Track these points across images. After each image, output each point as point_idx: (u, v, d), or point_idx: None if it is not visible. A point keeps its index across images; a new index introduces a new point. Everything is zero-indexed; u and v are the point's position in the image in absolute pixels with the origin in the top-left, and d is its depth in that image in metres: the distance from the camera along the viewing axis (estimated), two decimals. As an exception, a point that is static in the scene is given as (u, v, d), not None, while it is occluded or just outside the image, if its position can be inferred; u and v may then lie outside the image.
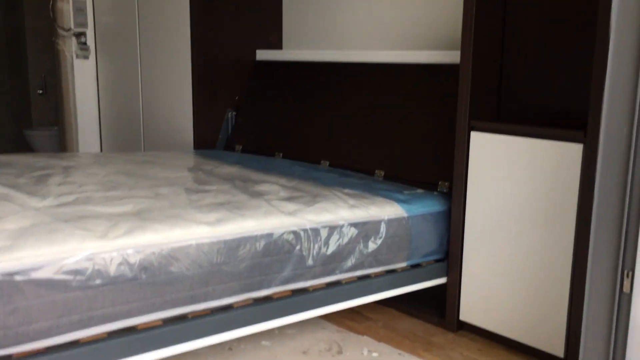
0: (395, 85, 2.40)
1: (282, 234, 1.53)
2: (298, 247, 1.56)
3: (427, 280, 1.93)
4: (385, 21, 2.60)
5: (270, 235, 1.50)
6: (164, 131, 3.07)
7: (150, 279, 1.29)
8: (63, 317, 1.18)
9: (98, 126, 3.52)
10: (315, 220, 1.62)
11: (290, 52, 2.89)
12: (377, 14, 2.63)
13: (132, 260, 1.26)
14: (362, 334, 1.93)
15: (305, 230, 1.58)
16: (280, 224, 1.54)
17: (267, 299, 1.53)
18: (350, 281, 1.72)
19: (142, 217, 1.40)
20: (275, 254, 1.51)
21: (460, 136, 1.87)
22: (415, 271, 1.90)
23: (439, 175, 2.11)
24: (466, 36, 1.84)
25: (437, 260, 1.97)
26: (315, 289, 1.63)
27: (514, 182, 1.75)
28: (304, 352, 1.80)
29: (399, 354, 1.81)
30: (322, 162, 2.50)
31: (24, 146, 4.67)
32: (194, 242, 1.36)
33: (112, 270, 1.23)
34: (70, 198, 1.56)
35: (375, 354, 1.80)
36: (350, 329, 1.97)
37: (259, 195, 1.77)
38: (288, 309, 1.56)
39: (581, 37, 1.79)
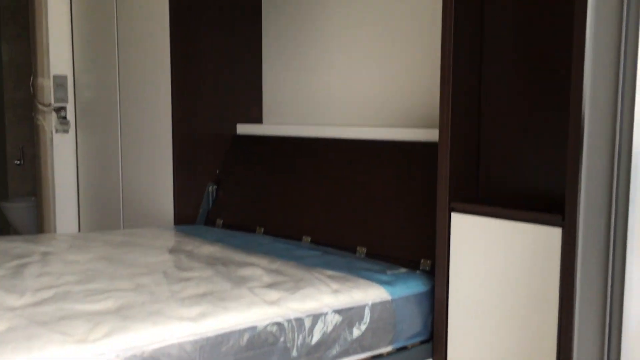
0: (375, 161, 2.43)
1: (266, 326, 1.51)
2: (282, 339, 1.53)
3: (412, 363, 1.91)
4: (365, 97, 2.66)
5: (253, 328, 1.48)
6: (144, 206, 3.05)
7: (131, 384, 1.25)
8: None
9: (76, 200, 3.49)
10: (299, 309, 1.60)
11: (270, 127, 2.93)
12: (357, 90, 2.70)
13: (113, 364, 1.23)
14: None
15: (289, 321, 1.56)
16: (263, 315, 1.52)
17: (251, 394, 1.49)
18: (335, 370, 1.69)
19: (122, 315, 1.37)
20: (259, 347, 1.48)
21: (441, 217, 1.89)
22: (401, 354, 1.87)
23: (421, 252, 2.11)
24: (444, 118, 1.89)
25: (422, 342, 1.95)
26: (300, 380, 1.59)
27: (496, 264, 1.76)
28: None
29: None
30: (303, 237, 2.50)
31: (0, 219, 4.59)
32: (176, 342, 1.33)
33: (91, 377, 1.19)
34: (49, 293, 1.53)
35: None
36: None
37: (241, 281, 1.75)
38: (272, 404, 1.52)
39: (558, 117, 1.84)
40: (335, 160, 2.58)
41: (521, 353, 1.71)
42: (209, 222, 2.90)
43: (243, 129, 3.04)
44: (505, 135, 1.97)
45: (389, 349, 1.84)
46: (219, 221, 2.86)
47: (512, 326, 1.72)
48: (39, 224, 3.49)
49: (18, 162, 4.70)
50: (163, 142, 2.91)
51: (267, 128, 2.94)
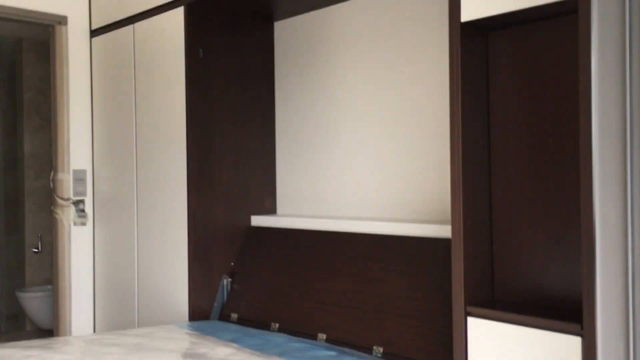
0: (389, 257, 2.43)
1: None
2: None
3: None
4: (378, 190, 2.69)
5: None
6: (159, 299, 3.05)
7: None
8: None
9: (92, 292, 3.50)
10: None
11: (284, 219, 2.95)
12: (370, 183, 2.73)
13: None
14: None
15: None
16: None
17: None
18: None
19: None
20: None
21: (457, 322, 1.86)
22: None
23: (438, 354, 2.07)
24: (456, 223, 1.89)
25: None
26: None
27: (516, 372, 1.72)
28: None
29: None
30: (319, 335, 2.47)
31: (15, 308, 4.60)
32: None
33: None
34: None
35: None
36: None
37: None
38: None
39: (571, 211, 1.84)
40: (350, 254, 2.57)
41: None
42: (224, 316, 2.88)
43: (257, 220, 3.07)
44: (518, 231, 1.97)
45: None
46: (234, 315, 2.84)
47: None
48: (54, 315, 3.49)
49: (36, 250, 4.76)
50: (178, 234, 2.94)
51: (281, 220, 2.96)
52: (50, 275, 4.14)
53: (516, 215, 1.94)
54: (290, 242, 2.86)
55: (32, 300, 4.29)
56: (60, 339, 2.40)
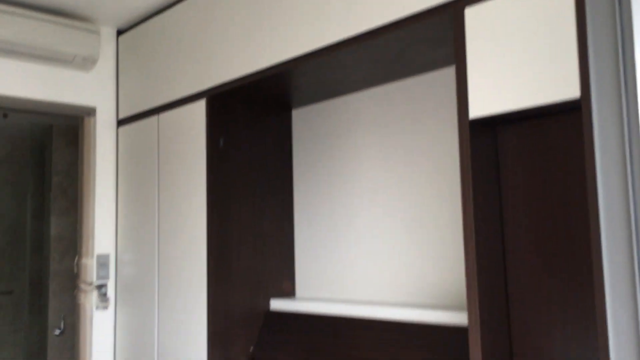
0: (406, 344, 2.42)
1: None
2: None
3: None
4: (391, 273, 2.71)
5: None
6: (178, 386, 3.04)
7: None
8: None
9: (112, 377, 3.50)
10: None
11: (303, 303, 2.97)
12: (386, 268, 2.75)
13: None
14: None
15: None
16: None
17: None
18: None
19: None
20: None
21: (477, 415, 1.84)
22: None
23: None
24: (472, 315, 1.90)
25: None
26: None
27: None
28: None
29: None
30: None
31: (36, 392, 4.59)
32: None
33: None
34: None
35: None
36: None
37: None
38: None
39: (584, 293, 1.84)
40: (366, 341, 2.57)
41: None
42: (243, 403, 2.86)
43: (276, 304, 3.09)
44: (535, 316, 1.97)
45: None
46: (253, 403, 2.81)
47: None
48: (74, 402, 3.48)
49: (58, 331, 4.79)
50: (198, 319, 2.96)
51: (299, 304, 2.98)
52: (72, 358, 4.15)
53: (532, 301, 1.95)
54: (309, 327, 2.87)
55: (53, 384, 4.28)
56: None
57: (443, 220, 2.55)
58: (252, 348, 3.00)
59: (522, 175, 1.97)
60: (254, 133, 3.19)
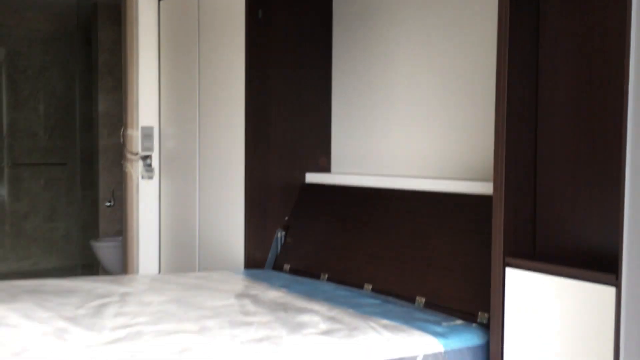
0: (435, 212, 2.49)
1: (317, 374, 1.59)
2: (333, 387, 1.61)
3: (467, 417, 1.91)
4: (427, 150, 2.74)
5: (305, 375, 1.57)
6: (217, 248, 3.23)
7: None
8: None
9: (158, 241, 3.74)
10: (350, 359, 1.67)
11: (337, 176, 3.05)
12: (419, 143, 2.78)
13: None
14: None
15: (340, 370, 1.63)
16: (315, 363, 1.61)
17: None
18: (386, 421, 1.74)
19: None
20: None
21: (495, 272, 1.91)
22: (454, 407, 1.89)
23: (478, 305, 2.13)
24: (497, 173, 1.93)
25: (477, 396, 1.95)
26: None
27: (551, 320, 1.77)
28: None
29: None
30: (365, 285, 2.57)
31: (90, 257, 4.95)
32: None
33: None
34: (123, 333, 1.69)
35: None
36: None
37: (298, 328, 1.85)
38: None
39: (614, 168, 1.84)
40: (397, 210, 2.65)
41: (576, 413, 1.69)
42: (277, 266, 3.03)
43: (312, 177, 3.18)
44: (562, 188, 1.98)
45: (441, 401, 1.86)
46: (286, 266, 2.98)
47: (567, 385, 1.71)
48: (123, 263, 3.76)
49: (109, 203, 5.08)
50: (236, 189, 3.10)
51: (334, 177, 3.06)
52: (121, 227, 4.43)
53: (560, 172, 1.96)
54: (343, 199, 2.96)
55: (105, 250, 4.61)
56: (128, 276, 2.62)
57: (477, 97, 2.52)
58: (287, 218, 3.14)
59: (562, 39, 1.91)
60: (294, 6, 3.14)
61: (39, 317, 1.79)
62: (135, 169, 3.68)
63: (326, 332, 1.83)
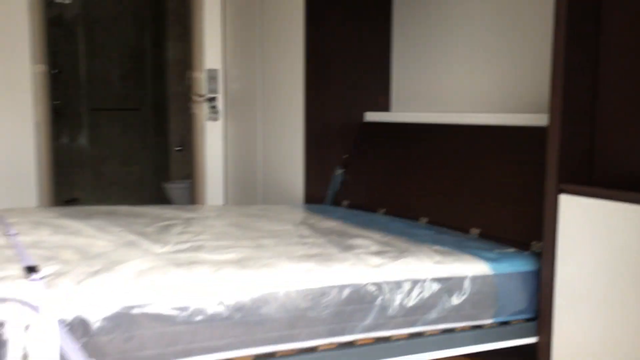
0: (491, 145, 2.47)
1: (365, 285, 1.66)
2: (380, 298, 1.68)
3: (515, 339, 1.95)
4: (482, 84, 2.71)
5: (354, 285, 1.65)
6: (279, 186, 3.35)
7: (243, 319, 1.48)
8: (169, 346, 1.40)
9: (223, 179, 3.90)
10: (398, 274, 1.74)
11: (396, 115, 3.06)
12: (476, 78, 2.74)
13: (227, 301, 1.46)
14: (450, 388, 1.99)
15: (387, 283, 1.70)
16: (364, 275, 1.68)
17: (350, 344, 1.66)
18: (433, 334, 1.80)
19: (241, 265, 1.61)
20: (358, 303, 1.65)
21: (549, 199, 1.91)
22: (503, 329, 1.93)
23: (532, 235, 2.13)
24: (555, 100, 1.90)
25: (527, 320, 1.98)
26: (398, 338, 1.73)
27: (605, 246, 1.75)
28: (390, 401, 1.89)
29: (484, 410, 1.84)
30: (420, 218, 2.61)
31: (162, 198, 5.22)
32: (283, 289, 1.54)
33: (211, 309, 1.44)
34: (186, 246, 1.82)
35: (459, 408, 1.85)
36: (439, 383, 2.03)
37: (350, 248, 1.93)
38: (371, 355, 1.67)
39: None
40: (454, 145, 2.65)
41: (629, 336, 1.69)
42: (336, 203, 3.11)
43: (371, 116, 3.21)
44: (623, 117, 1.93)
45: (490, 321, 1.90)
46: (345, 202, 3.05)
47: (619, 310, 1.71)
48: (192, 200, 3.95)
49: (178, 148, 5.30)
50: (296, 129, 3.17)
51: (393, 115, 3.08)
52: (191, 171, 4.64)
53: (621, 100, 1.90)
54: (400, 136, 2.98)
55: (176, 191, 4.85)
56: (194, 205, 2.77)
57: (533, 30, 2.45)
58: (345, 156, 3.20)
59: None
60: (353, -58, 3.12)
61: (111, 231, 1.95)
62: (202, 110, 3.83)
63: (377, 253, 1.89)
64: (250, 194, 3.61)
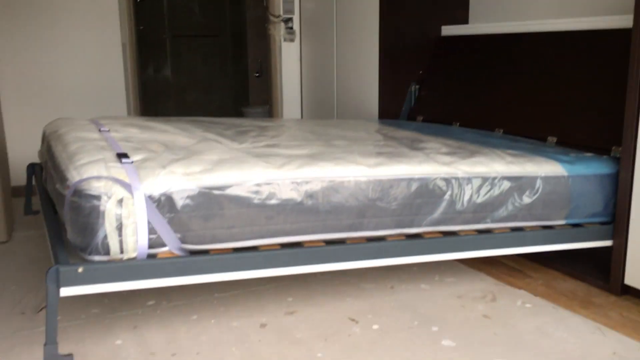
0: (570, 52, 2.38)
1: (434, 180, 1.70)
2: (449, 193, 1.71)
3: (588, 241, 1.94)
4: (569, -12, 2.58)
5: (422, 179, 1.68)
6: (353, 104, 3.38)
7: (315, 206, 1.56)
8: (246, 226, 1.50)
9: (299, 100, 3.97)
10: (468, 171, 1.75)
11: (474, 27, 2.98)
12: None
13: (300, 188, 1.55)
14: (520, 288, 2.01)
15: (457, 179, 1.73)
16: (433, 171, 1.71)
17: (418, 236, 1.71)
18: (502, 231, 1.82)
19: (313, 158, 1.68)
20: (426, 196, 1.69)
21: (630, 104, 1.83)
22: (575, 230, 1.92)
23: (612, 141, 2.07)
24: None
25: (601, 223, 1.96)
26: (466, 233, 1.77)
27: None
28: (459, 297, 1.95)
29: (554, 307, 1.86)
30: (496, 129, 2.58)
31: (241, 122, 5.36)
32: (352, 179, 1.60)
33: (284, 194, 1.53)
34: (262, 144, 1.91)
35: (528, 305, 1.88)
36: (509, 283, 2.06)
37: (420, 149, 1.95)
38: (438, 248, 1.73)
39: None
40: (529, 54, 2.57)
41: None
42: (410, 118, 3.12)
43: (447, 30, 3.14)
44: None
45: (562, 222, 1.90)
46: (419, 117, 3.05)
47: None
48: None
49: (257, 74, 5.40)
50: (371, 45, 3.16)
51: (471, 28, 3.00)
52: (268, 95, 4.74)
53: None
54: (477, 48, 2.91)
55: (255, 114, 4.98)
56: (270, 118, 2.86)
57: None
58: (421, 71, 3.16)
59: None
60: None
61: (194, 132, 2.07)
62: (278, 31, 3.87)
63: (447, 153, 1.91)
64: (326, 113, 3.67)
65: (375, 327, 1.74)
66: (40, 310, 1.85)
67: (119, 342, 1.66)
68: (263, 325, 1.76)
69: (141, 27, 5.17)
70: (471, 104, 2.79)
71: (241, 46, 5.62)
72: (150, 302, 1.92)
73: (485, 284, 2.06)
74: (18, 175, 3.17)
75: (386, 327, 1.74)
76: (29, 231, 2.69)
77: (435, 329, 1.73)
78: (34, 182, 2.42)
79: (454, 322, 1.77)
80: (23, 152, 3.20)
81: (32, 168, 2.39)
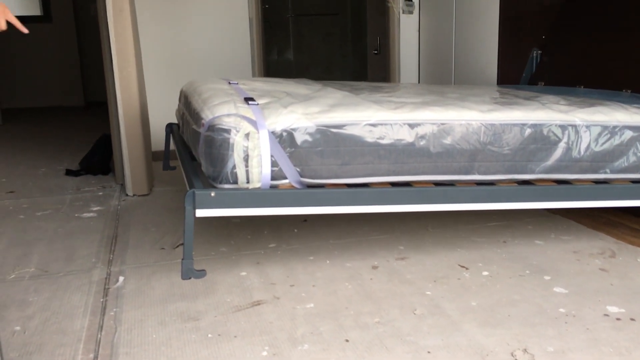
0: None
1: (549, 126, 1.69)
2: (565, 140, 1.69)
3: None
4: None
5: (536, 125, 1.68)
6: (472, 70, 3.35)
7: (426, 147, 1.61)
8: (360, 164, 1.59)
9: (417, 70, 4.00)
10: (586, 119, 1.72)
11: None
12: None
13: (412, 129, 1.61)
14: (641, 247, 1.94)
15: (574, 126, 1.70)
16: (548, 117, 1.70)
17: (529, 183, 1.71)
18: (622, 183, 1.77)
19: (425, 103, 1.74)
20: (540, 142, 1.68)
21: None
22: None
23: None
24: None
25: None
26: (582, 183, 1.74)
27: None
28: (575, 252, 1.92)
29: (677, 266, 1.78)
30: (624, 90, 2.46)
31: (359, 97, 5.46)
32: (464, 122, 1.64)
33: (396, 134, 1.60)
34: (377, 95, 1.99)
35: (650, 262, 1.81)
36: (630, 242, 1.99)
37: (536, 100, 1.93)
38: (551, 196, 1.71)
39: None
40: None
41: None
42: (531, 84, 3.04)
43: (573, -8, 3.02)
44: None
45: (691, 178, 1.80)
46: (541, 83, 2.97)
47: None
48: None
49: (375, 52, 5.46)
50: (491, 12, 3.12)
51: (598, -13, 2.87)
52: (387, 73, 4.80)
53: None
54: (603, 9, 2.78)
55: (372, 91, 5.06)
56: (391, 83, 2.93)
57: None
58: (543, 36, 3.07)
59: None
60: None
61: (313, 85, 2.19)
62: (397, 4, 3.91)
63: (565, 103, 1.88)
64: (443, 82, 3.67)
65: (485, 273, 1.77)
66: (177, 247, 2.08)
67: (243, 273, 1.83)
68: (375, 267, 1.85)
69: (266, 6, 5.42)
70: (596, 66, 2.67)
71: (360, 24, 5.72)
72: (272, 245, 2.08)
73: (604, 242, 2.00)
74: (157, 140, 3.49)
75: (496, 274, 1.77)
76: (166, 187, 2.99)
77: (547, 277, 1.73)
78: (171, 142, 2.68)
79: (568, 273, 1.76)
80: (161, 117, 3.52)
81: (170, 127, 2.64)
